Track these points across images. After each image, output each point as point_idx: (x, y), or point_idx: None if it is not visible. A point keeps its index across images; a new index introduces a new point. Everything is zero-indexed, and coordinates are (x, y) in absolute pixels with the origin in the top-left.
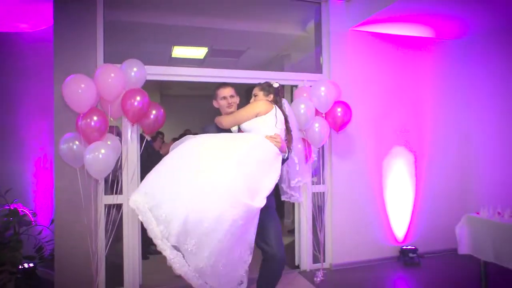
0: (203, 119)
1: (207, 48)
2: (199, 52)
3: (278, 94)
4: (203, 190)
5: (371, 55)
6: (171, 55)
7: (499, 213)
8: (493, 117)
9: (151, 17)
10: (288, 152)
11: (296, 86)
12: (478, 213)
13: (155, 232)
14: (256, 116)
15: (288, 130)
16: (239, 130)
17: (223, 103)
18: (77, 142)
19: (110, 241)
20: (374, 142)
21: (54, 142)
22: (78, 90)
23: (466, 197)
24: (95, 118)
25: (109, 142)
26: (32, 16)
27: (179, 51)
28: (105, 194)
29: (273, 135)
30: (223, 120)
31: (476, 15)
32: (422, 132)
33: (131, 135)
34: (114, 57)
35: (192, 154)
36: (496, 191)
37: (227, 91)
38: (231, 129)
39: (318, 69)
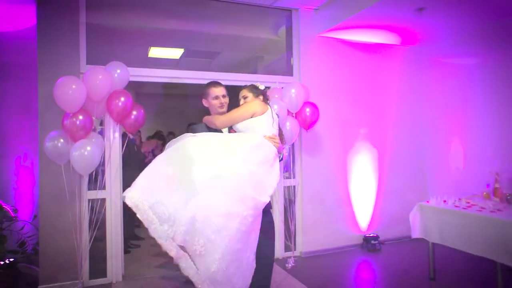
0: (178, 118)
1: (183, 49)
2: (175, 53)
3: (265, 96)
4: (209, 187)
5: (337, 60)
6: (148, 55)
7: (444, 201)
8: (446, 118)
9: (129, 19)
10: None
11: (269, 87)
12: (428, 202)
13: (158, 232)
14: (251, 117)
15: (280, 130)
16: (230, 130)
17: (215, 102)
18: (62, 140)
19: (94, 234)
20: (340, 139)
21: (39, 140)
22: (69, 91)
23: (423, 190)
24: (80, 117)
25: (93, 140)
26: (14, 16)
27: (155, 52)
28: (88, 189)
29: (271, 136)
30: (216, 120)
31: (441, 23)
32: (385, 131)
33: (113, 133)
34: (95, 58)
35: (193, 152)
36: (445, 183)
37: (219, 90)
38: (222, 129)
39: (289, 71)
